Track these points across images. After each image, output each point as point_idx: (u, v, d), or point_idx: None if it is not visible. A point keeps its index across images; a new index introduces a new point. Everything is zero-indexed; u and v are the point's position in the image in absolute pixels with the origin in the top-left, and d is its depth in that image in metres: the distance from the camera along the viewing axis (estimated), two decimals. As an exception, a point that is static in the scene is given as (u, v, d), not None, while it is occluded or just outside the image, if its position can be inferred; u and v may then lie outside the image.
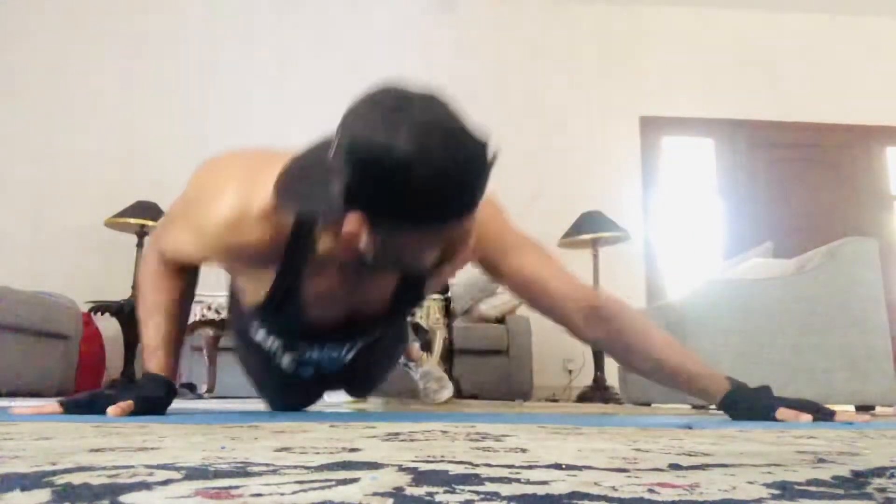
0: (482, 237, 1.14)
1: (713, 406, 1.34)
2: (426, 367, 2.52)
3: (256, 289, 1.21)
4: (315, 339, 1.36)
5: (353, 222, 0.90)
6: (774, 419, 1.24)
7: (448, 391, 2.56)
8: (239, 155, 1.19)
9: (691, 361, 1.32)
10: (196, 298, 2.92)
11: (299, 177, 0.99)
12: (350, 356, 1.43)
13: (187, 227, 1.15)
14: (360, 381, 1.81)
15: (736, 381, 1.31)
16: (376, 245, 0.93)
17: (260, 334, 1.39)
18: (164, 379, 1.22)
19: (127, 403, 1.13)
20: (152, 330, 1.25)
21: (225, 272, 1.33)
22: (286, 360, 1.43)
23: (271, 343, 1.40)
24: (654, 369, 1.34)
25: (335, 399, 2.48)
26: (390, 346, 1.73)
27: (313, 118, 4.87)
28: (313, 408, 1.93)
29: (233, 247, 1.11)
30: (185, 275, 1.30)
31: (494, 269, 1.27)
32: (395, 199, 0.86)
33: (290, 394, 1.69)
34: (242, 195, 1.07)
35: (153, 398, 1.20)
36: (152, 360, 1.24)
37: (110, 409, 1.11)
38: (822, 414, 1.25)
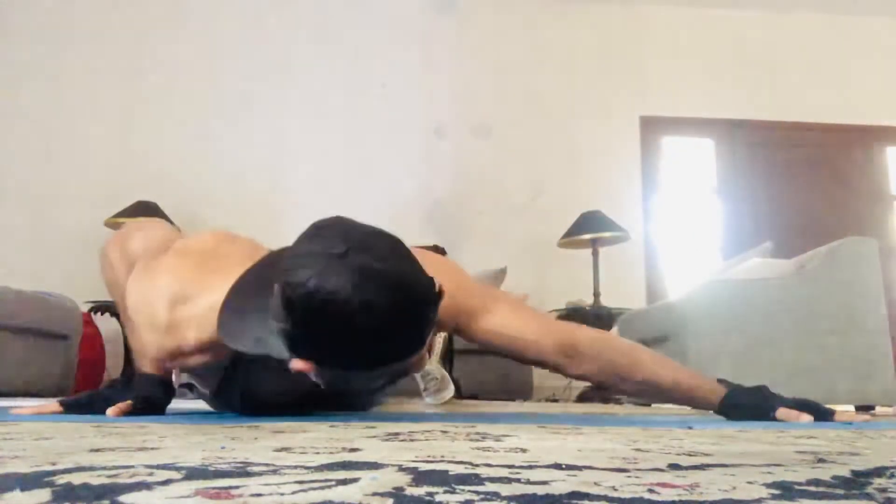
0: (447, 312, 1.12)
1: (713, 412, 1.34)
2: (428, 367, 2.52)
3: (202, 383, 1.27)
4: (271, 413, 1.34)
5: (299, 364, 0.90)
6: (774, 419, 1.24)
7: (449, 392, 2.55)
8: (179, 265, 1.17)
9: (684, 374, 1.31)
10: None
11: (241, 313, 0.99)
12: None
13: (133, 314, 1.17)
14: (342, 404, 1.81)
15: (731, 384, 1.30)
16: (325, 378, 0.93)
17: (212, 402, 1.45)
18: (161, 378, 1.22)
19: (126, 404, 1.13)
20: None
21: None
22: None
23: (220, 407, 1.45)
24: (649, 391, 1.34)
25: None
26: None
27: (313, 118, 4.91)
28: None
29: (175, 360, 1.16)
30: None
31: (468, 336, 1.27)
32: (339, 352, 0.87)
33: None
34: (183, 324, 1.09)
35: (152, 398, 1.20)
36: (143, 359, 1.23)
37: (109, 410, 1.11)
38: (822, 414, 1.25)
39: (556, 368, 1.29)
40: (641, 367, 1.28)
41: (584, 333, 1.30)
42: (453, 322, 1.24)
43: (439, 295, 0.91)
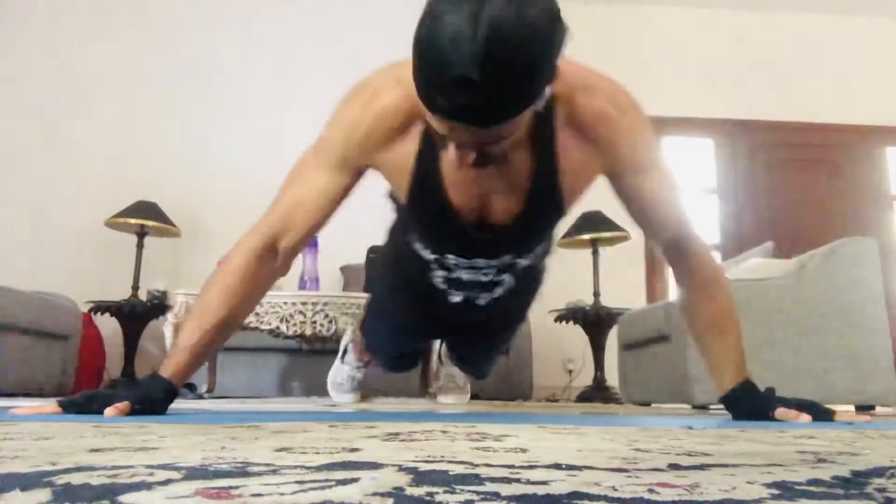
0: (616, 151, 1.21)
1: (713, 405, 1.36)
2: (451, 369, 2.59)
3: (402, 175, 1.23)
4: (462, 247, 1.36)
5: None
6: (773, 419, 1.24)
7: (464, 398, 2.62)
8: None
9: (730, 350, 1.35)
10: (196, 298, 2.91)
11: None
12: (496, 292, 1.45)
13: (327, 144, 1.24)
14: (486, 342, 1.88)
15: (747, 382, 1.32)
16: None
17: (417, 245, 1.42)
18: (166, 381, 1.21)
19: (124, 404, 1.13)
20: (190, 333, 1.24)
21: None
22: (439, 277, 1.44)
23: (427, 255, 1.41)
24: (697, 339, 1.42)
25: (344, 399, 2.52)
26: (523, 302, 1.73)
27: (313, 118, 4.89)
28: (325, 408, 1.93)
29: (375, 123, 1.18)
30: (271, 271, 1.31)
31: (617, 182, 1.30)
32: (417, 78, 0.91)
33: (416, 332, 1.78)
34: (378, 82, 1.24)
35: (150, 399, 1.19)
36: (171, 360, 1.22)
37: (107, 410, 1.11)
38: (821, 414, 1.25)
39: (662, 252, 1.38)
40: (706, 312, 1.37)
41: (701, 253, 1.37)
42: (617, 164, 1.26)
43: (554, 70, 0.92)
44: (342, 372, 2.53)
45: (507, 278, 1.44)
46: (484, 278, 1.42)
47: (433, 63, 0.87)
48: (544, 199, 1.24)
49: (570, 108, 1.16)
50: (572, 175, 1.21)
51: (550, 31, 0.89)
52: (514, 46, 0.85)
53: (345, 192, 1.27)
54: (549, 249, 1.55)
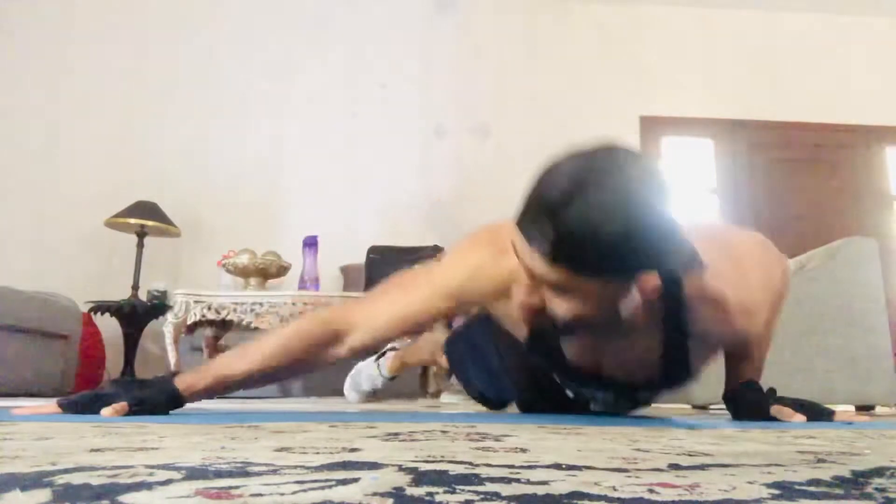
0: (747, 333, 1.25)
1: (713, 405, 1.37)
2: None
3: (519, 327, 1.24)
4: (581, 385, 1.38)
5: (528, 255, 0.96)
6: (769, 416, 1.25)
7: (456, 400, 2.62)
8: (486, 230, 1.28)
9: (756, 363, 1.38)
10: (196, 298, 2.97)
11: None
12: (615, 400, 1.45)
13: (447, 277, 1.24)
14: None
15: (750, 382, 1.33)
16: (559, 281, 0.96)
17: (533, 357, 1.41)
18: (175, 389, 1.19)
19: (122, 405, 1.13)
20: (228, 365, 1.23)
21: None
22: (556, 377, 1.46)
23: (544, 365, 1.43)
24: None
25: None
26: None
27: (313, 118, 4.91)
28: (326, 407, 1.92)
29: (499, 281, 1.18)
30: (330, 352, 1.27)
31: (731, 345, 1.33)
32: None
33: (512, 390, 1.74)
34: (490, 250, 1.21)
35: (150, 402, 1.18)
36: (195, 376, 1.21)
37: (104, 410, 1.11)
38: (821, 414, 1.25)
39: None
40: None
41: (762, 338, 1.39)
42: (742, 332, 1.26)
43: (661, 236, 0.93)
44: (370, 371, 2.40)
45: (632, 401, 1.47)
46: (604, 393, 1.44)
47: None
48: (673, 375, 1.26)
49: (701, 315, 1.16)
50: (703, 352, 1.24)
51: (628, 248, 0.91)
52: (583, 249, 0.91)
53: (442, 317, 1.31)
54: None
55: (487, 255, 1.21)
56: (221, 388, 1.25)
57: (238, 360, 1.24)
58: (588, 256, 0.91)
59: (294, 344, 1.24)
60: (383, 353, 2.40)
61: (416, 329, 1.29)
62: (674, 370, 1.23)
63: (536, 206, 0.93)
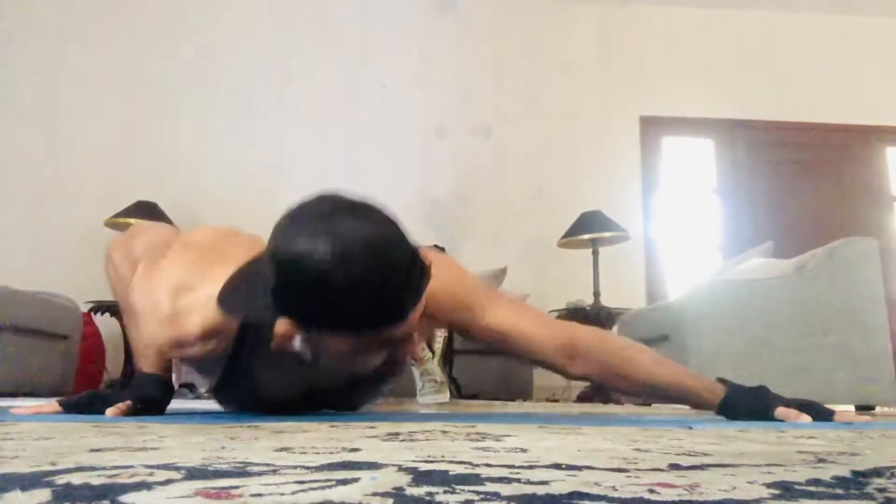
0: (446, 306, 1.17)
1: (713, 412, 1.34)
2: (429, 366, 2.53)
3: (206, 377, 1.28)
4: (276, 410, 1.36)
5: (283, 325, 0.94)
6: (773, 419, 1.24)
7: (444, 397, 2.57)
8: (179, 259, 1.19)
9: (684, 374, 1.31)
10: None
11: (238, 286, 1.01)
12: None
13: (137, 309, 1.19)
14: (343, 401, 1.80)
15: (731, 384, 1.30)
16: (312, 346, 0.95)
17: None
18: (161, 378, 1.21)
19: (125, 404, 1.13)
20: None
21: None
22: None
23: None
24: (648, 391, 1.35)
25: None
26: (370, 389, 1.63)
27: (313, 118, 4.90)
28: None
29: (180, 349, 1.16)
30: None
31: (467, 331, 1.28)
32: (316, 309, 0.90)
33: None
34: (186, 317, 1.11)
35: (151, 398, 1.19)
36: (142, 359, 1.22)
37: (108, 410, 1.11)
38: (821, 414, 1.25)
39: (555, 368, 1.29)
40: (641, 367, 1.28)
41: (584, 333, 1.30)
42: (453, 317, 1.25)
43: (424, 269, 0.93)
44: None
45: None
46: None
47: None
48: (365, 387, 1.31)
49: None
50: (391, 363, 1.16)
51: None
52: (378, 254, 0.89)
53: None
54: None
55: (163, 330, 1.15)
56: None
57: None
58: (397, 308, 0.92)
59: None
60: None
61: None
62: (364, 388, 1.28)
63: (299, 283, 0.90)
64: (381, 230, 0.91)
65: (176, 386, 1.27)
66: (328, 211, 0.91)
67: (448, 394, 2.62)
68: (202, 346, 1.14)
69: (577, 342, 1.26)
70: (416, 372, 2.56)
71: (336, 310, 0.89)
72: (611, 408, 2.82)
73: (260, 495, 0.38)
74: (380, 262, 0.88)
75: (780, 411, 1.24)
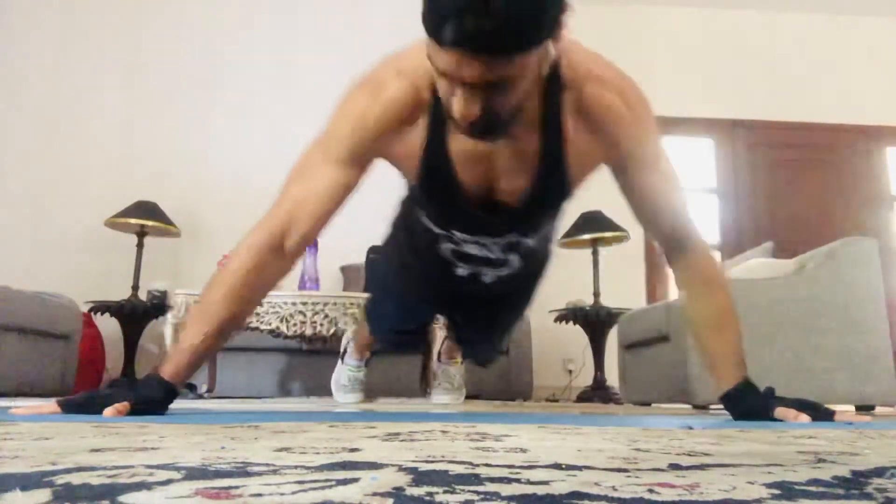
0: (620, 144, 1.21)
1: (713, 405, 1.36)
2: (453, 370, 2.58)
3: (411, 161, 1.25)
4: (469, 224, 1.39)
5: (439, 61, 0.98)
6: (773, 418, 1.24)
7: (458, 398, 2.61)
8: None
9: (729, 348, 1.35)
10: (196, 298, 2.97)
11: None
12: (502, 271, 1.49)
13: (334, 138, 1.24)
14: (490, 323, 1.91)
15: (746, 381, 1.31)
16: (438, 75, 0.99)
17: (425, 220, 1.45)
18: (166, 382, 1.21)
19: (123, 405, 1.13)
20: (192, 334, 1.24)
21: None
22: (447, 250, 1.47)
23: (435, 229, 1.45)
24: (696, 336, 1.44)
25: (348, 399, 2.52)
26: (528, 285, 1.78)
27: (314, 118, 4.89)
28: (325, 408, 1.92)
29: (383, 115, 1.19)
30: (277, 269, 1.31)
31: (620, 174, 1.30)
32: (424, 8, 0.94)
33: (421, 306, 1.84)
34: (381, 75, 1.21)
35: (150, 400, 1.19)
36: (172, 360, 1.23)
37: (106, 410, 1.11)
38: (821, 414, 1.25)
39: (662, 250, 1.41)
40: (706, 311, 1.39)
41: (700, 252, 1.38)
42: (622, 157, 1.25)
43: (562, 5, 0.95)
44: (343, 373, 2.54)
45: (514, 258, 1.48)
46: (491, 255, 1.46)
47: None
48: (552, 180, 1.27)
49: (579, 95, 1.18)
50: (578, 159, 1.23)
51: None
52: None
53: (352, 186, 1.28)
54: (552, 234, 1.59)
55: (365, 102, 1.21)
56: (203, 359, 1.28)
57: (197, 327, 1.24)
58: (521, 26, 0.92)
59: (236, 284, 1.25)
60: (344, 352, 2.52)
61: (342, 201, 1.28)
62: (552, 180, 1.26)
63: (444, 9, 0.92)
64: None
65: (179, 389, 1.27)
66: None
67: (462, 398, 2.67)
68: (403, 91, 1.18)
69: (687, 249, 1.36)
70: (440, 369, 2.61)
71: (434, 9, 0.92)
72: (611, 408, 2.82)
73: (260, 495, 0.38)
74: None
75: (780, 411, 1.24)
